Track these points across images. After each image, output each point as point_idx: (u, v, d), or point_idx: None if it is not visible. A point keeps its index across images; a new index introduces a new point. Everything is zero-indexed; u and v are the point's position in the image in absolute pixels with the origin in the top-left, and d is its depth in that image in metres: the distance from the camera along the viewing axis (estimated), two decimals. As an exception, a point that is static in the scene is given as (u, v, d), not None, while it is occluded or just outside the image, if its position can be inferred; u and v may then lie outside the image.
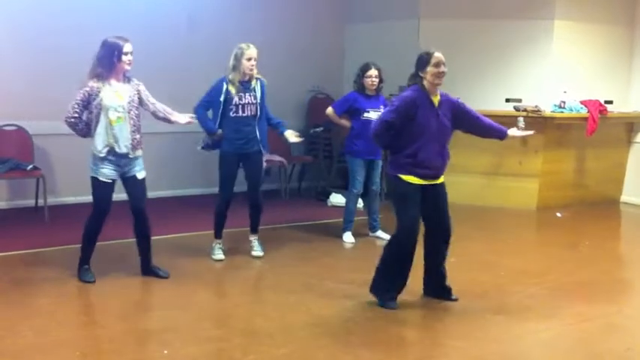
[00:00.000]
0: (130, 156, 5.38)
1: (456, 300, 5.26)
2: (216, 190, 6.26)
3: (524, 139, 7.52)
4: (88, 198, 5.44)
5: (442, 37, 9.14)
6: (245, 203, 6.32)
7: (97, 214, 5.43)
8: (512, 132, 5.34)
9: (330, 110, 6.97)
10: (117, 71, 5.29)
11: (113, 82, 5.29)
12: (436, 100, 5.00)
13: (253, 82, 6.04)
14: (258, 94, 6.06)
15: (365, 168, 6.89)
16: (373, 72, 6.76)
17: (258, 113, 6.05)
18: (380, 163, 6.98)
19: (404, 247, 4.98)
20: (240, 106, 5.97)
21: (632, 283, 6.40)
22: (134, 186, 5.47)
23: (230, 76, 5.96)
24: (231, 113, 5.97)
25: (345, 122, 6.94)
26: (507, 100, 8.99)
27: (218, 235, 6.27)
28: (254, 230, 6.39)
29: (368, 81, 6.76)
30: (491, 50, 9.08)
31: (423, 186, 4.99)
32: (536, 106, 8.75)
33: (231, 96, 5.94)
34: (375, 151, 6.76)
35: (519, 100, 8.94)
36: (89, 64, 5.30)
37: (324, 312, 4.99)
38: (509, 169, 9.02)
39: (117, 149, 5.30)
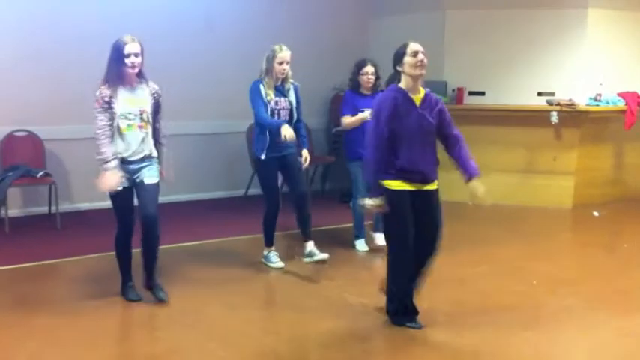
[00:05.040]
0: (141, 163, 4.99)
1: (420, 328, 4.62)
2: (239, 192, 5.99)
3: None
4: (102, 204, 5.20)
5: (469, 29, 8.87)
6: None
7: (120, 226, 5.09)
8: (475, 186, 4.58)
9: (346, 120, 6.38)
10: (124, 75, 4.87)
11: (127, 86, 4.89)
12: (418, 98, 4.58)
13: (287, 85, 5.83)
14: (293, 99, 5.86)
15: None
16: (369, 69, 6.35)
17: (294, 118, 5.86)
18: None
19: (402, 261, 4.57)
20: (275, 111, 5.77)
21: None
22: (142, 191, 5.00)
23: (265, 80, 5.75)
24: None
25: (360, 115, 6.27)
26: (539, 94, 8.72)
27: (270, 242, 6.05)
28: (308, 235, 5.99)
29: (364, 78, 6.34)
30: (521, 42, 8.78)
31: (412, 192, 4.55)
32: (570, 100, 8.50)
33: (268, 99, 5.74)
34: None
35: (552, 94, 8.67)
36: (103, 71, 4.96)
37: (341, 330, 4.66)
38: (542, 166, 8.71)
39: (128, 158, 4.93)
